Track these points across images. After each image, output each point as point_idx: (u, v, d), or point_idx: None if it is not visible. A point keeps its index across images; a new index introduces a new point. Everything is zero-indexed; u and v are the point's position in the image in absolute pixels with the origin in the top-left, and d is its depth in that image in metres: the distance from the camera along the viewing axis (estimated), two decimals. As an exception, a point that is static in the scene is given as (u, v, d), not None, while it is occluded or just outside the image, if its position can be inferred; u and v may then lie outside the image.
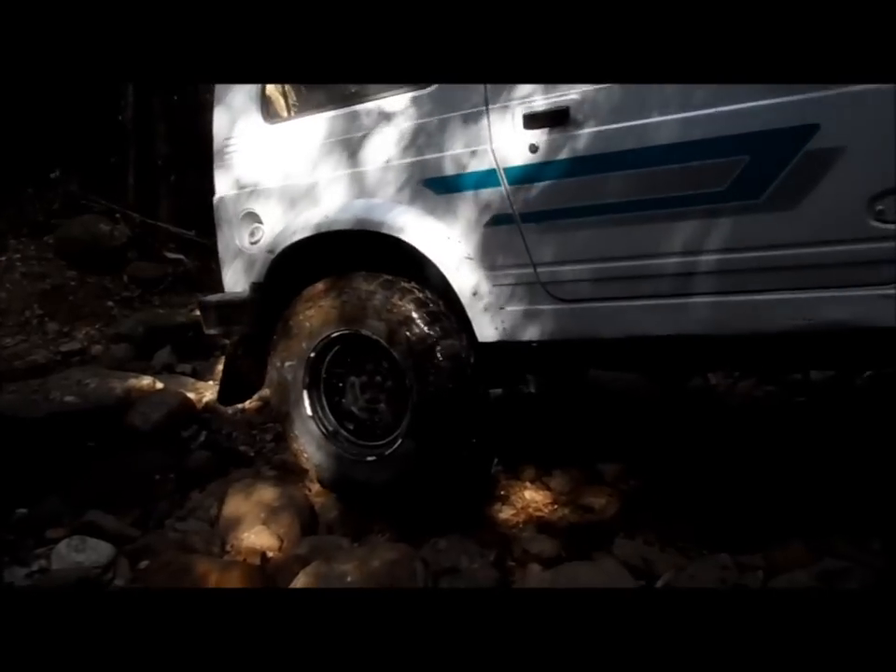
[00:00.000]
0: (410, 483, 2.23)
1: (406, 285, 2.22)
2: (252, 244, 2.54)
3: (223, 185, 2.62)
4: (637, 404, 3.12)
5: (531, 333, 2.06)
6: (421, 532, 2.22)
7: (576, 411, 3.07)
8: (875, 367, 2.48)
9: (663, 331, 1.87)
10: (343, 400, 2.41)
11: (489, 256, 2.07)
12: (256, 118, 2.52)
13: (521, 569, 2.04)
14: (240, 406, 3.25)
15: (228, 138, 2.59)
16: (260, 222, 2.51)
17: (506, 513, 2.35)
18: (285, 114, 2.56)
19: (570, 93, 1.89)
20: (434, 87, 2.11)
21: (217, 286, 2.74)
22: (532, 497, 2.44)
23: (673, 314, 1.85)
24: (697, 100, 1.73)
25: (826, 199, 1.64)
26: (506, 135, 1.98)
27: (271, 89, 2.55)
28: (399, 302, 2.19)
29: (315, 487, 2.58)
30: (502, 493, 2.49)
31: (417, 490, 2.24)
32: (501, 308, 2.09)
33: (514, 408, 3.05)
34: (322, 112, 2.39)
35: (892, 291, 1.60)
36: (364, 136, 2.26)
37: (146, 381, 3.48)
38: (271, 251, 2.44)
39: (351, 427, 2.40)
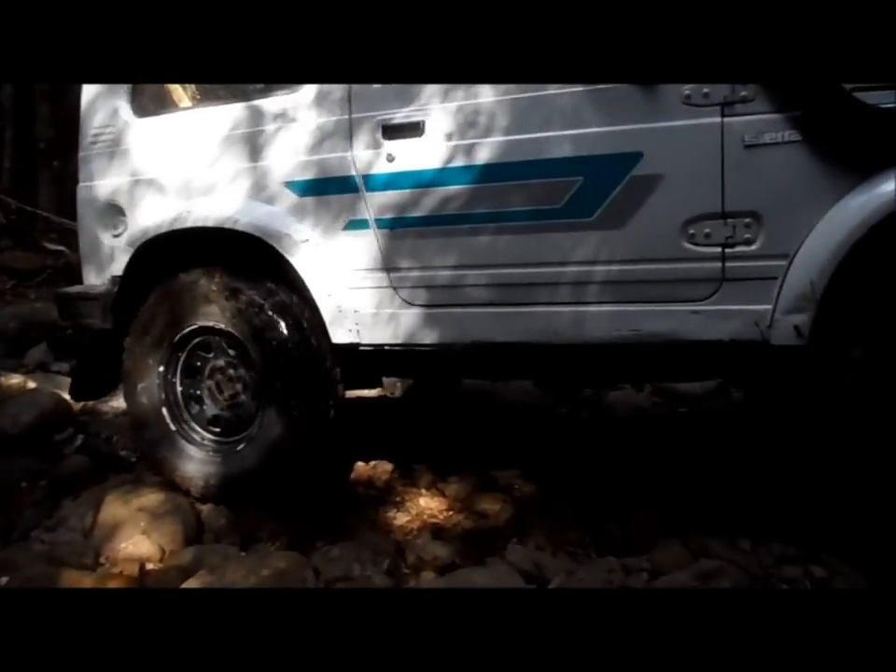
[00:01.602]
0: (281, 462, 2.26)
1: (268, 284, 2.27)
2: (114, 236, 2.51)
3: (87, 175, 2.59)
4: (531, 412, 3.19)
5: (382, 337, 2.15)
6: (312, 540, 2.16)
7: (454, 415, 3.09)
8: (702, 378, 2.69)
9: (503, 339, 2.00)
10: (204, 406, 2.42)
11: (345, 259, 2.15)
12: (125, 110, 2.52)
13: (415, 576, 2.02)
14: (121, 407, 3.05)
15: (95, 127, 2.57)
16: (123, 215, 2.49)
17: (400, 520, 2.33)
18: (155, 109, 2.52)
19: (427, 108, 2.01)
20: (303, 90, 2.18)
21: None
22: (427, 503, 2.43)
23: (512, 322, 1.98)
24: (539, 122, 1.89)
25: (647, 220, 1.81)
26: (366, 144, 2.09)
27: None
28: (256, 298, 2.23)
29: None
30: (397, 499, 2.47)
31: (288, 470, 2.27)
32: (355, 311, 2.16)
33: (397, 411, 3.04)
34: (193, 109, 2.46)
35: (701, 308, 1.78)
36: (232, 135, 2.30)
37: (15, 380, 3.22)
38: (131, 245, 2.44)
39: (217, 430, 2.41)
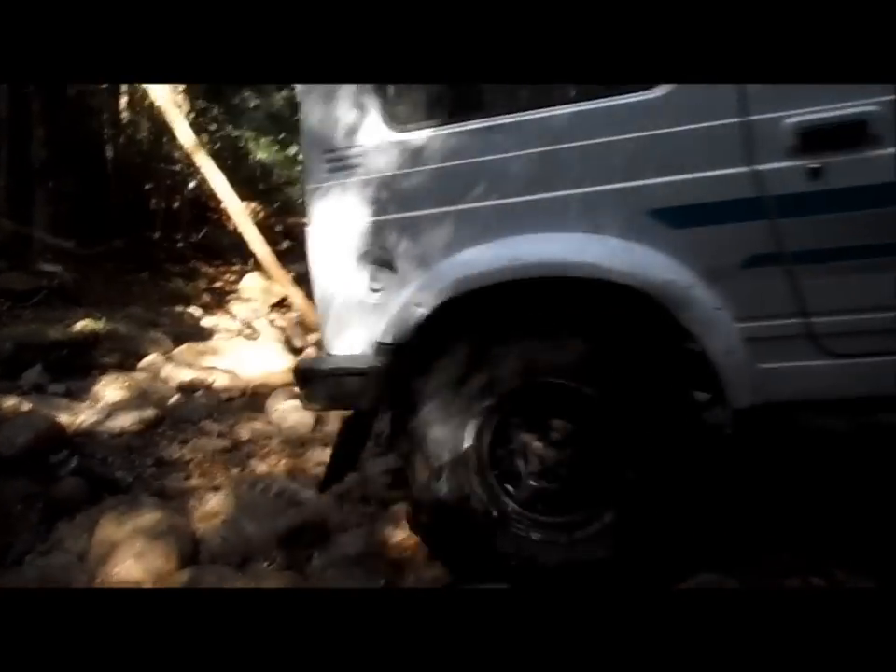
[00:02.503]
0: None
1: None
2: (374, 291, 1.99)
3: (324, 213, 2.05)
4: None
5: (793, 393, 1.74)
6: (307, 559, 2.15)
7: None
8: None
9: None
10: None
11: (745, 304, 1.72)
12: (376, 123, 1.98)
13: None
14: (117, 428, 3.05)
15: (331, 150, 2.02)
16: (391, 265, 1.97)
17: (398, 536, 2.31)
18: (422, 119, 1.99)
19: (867, 102, 1.57)
20: (662, 91, 1.72)
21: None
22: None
23: None
24: None
25: None
26: (774, 155, 1.64)
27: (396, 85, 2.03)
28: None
29: (199, 511, 2.45)
30: (395, 514, 2.46)
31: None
32: (759, 366, 1.73)
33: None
34: (485, 119, 1.89)
35: None
36: (553, 151, 1.81)
37: (10, 401, 3.21)
38: (420, 304, 1.91)
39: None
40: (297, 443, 3.26)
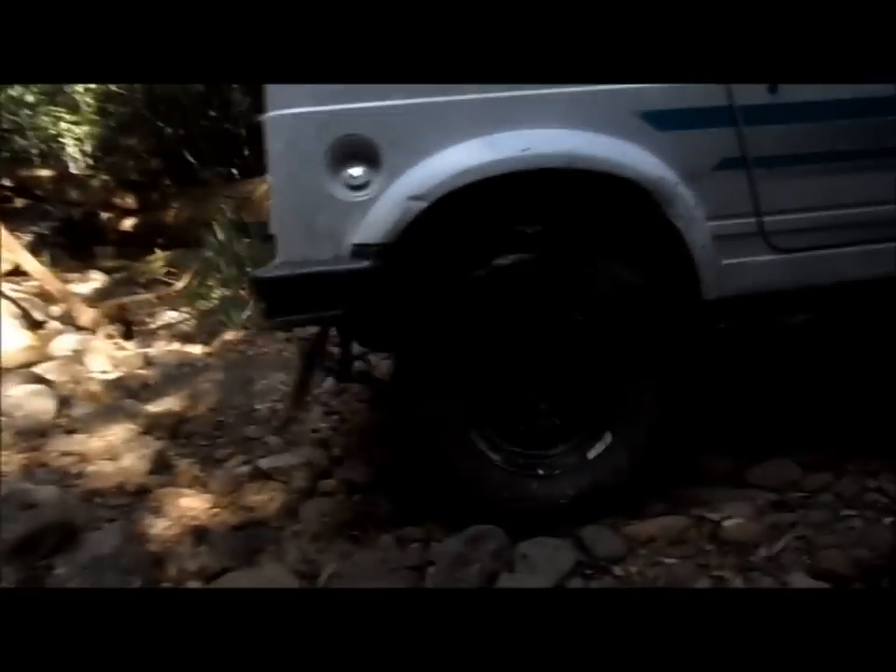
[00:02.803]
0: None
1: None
2: (352, 187, 1.79)
3: (286, 99, 1.78)
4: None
5: (745, 286, 1.92)
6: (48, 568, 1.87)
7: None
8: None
9: (869, 275, 1.94)
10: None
11: (714, 203, 1.87)
12: None
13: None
14: None
15: None
16: (374, 158, 1.77)
17: (158, 527, 2.10)
18: None
19: None
20: None
21: None
22: (189, 504, 2.22)
23: (881, 258, 1.93)
24: None
25: None
26: None
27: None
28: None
29: None
30: (155, 504, 2.22)
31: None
32: (722, 261, 1.89)
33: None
34: None
35: None
36: None
37: None
38: (418, 197, 1.77)
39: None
40: (36, 434, 2.83)
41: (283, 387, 3.05)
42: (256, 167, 5.09)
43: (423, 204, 1.76)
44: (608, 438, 1.92)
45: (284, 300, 1.82)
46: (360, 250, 1.79)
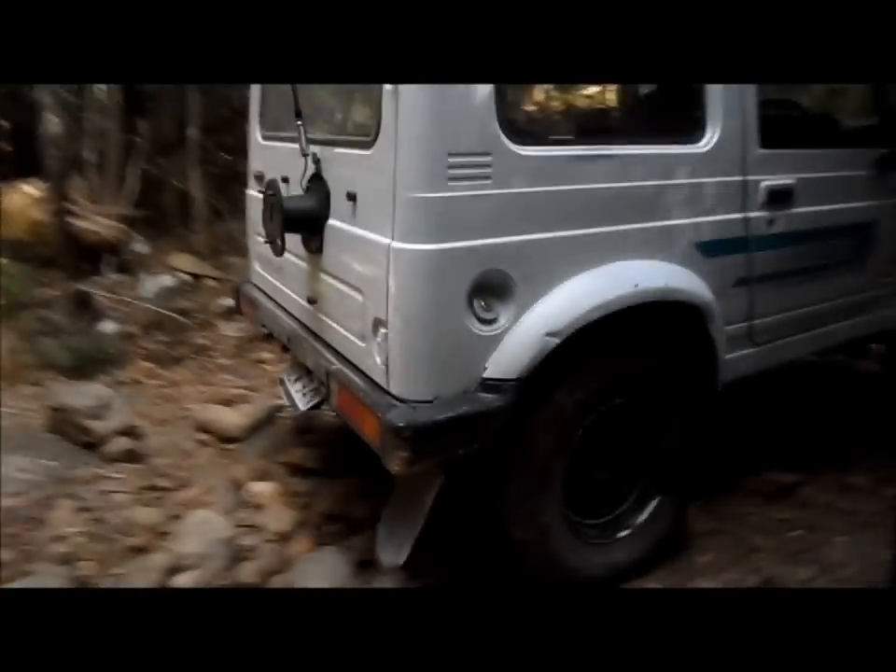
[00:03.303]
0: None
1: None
2: (486, 321, 1.78)
3: (435, 225, 1.72)
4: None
5: (739, 372, 2.36)
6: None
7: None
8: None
9: (811, 351, 2.71)
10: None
11: (727, 314, 2.24)
12: (495, 134, 1.74)
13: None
14: None
15: (457, 155, 1.71)
16: (507, 292, 1.79)
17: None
18: (546, 135, 2.14)
19: (792, 175, 2.33)
20: (708, 145, 2.13)
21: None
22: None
23: (820, 339, 2.63)
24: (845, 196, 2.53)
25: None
26: (755, 207, 2.27)
27: (519, 94, 2.16)
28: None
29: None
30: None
31: None
32: (726, 356, 2.28)
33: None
34: (610, 146, 1.97)
35: None
36: (638, 187, 2.01)
37: None
38: (553, 333, 1.81)
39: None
40: None
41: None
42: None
43: (557, 340, 1.81)
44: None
45: (431, 443, 1.75)
46: (495, 385, 1.78)
